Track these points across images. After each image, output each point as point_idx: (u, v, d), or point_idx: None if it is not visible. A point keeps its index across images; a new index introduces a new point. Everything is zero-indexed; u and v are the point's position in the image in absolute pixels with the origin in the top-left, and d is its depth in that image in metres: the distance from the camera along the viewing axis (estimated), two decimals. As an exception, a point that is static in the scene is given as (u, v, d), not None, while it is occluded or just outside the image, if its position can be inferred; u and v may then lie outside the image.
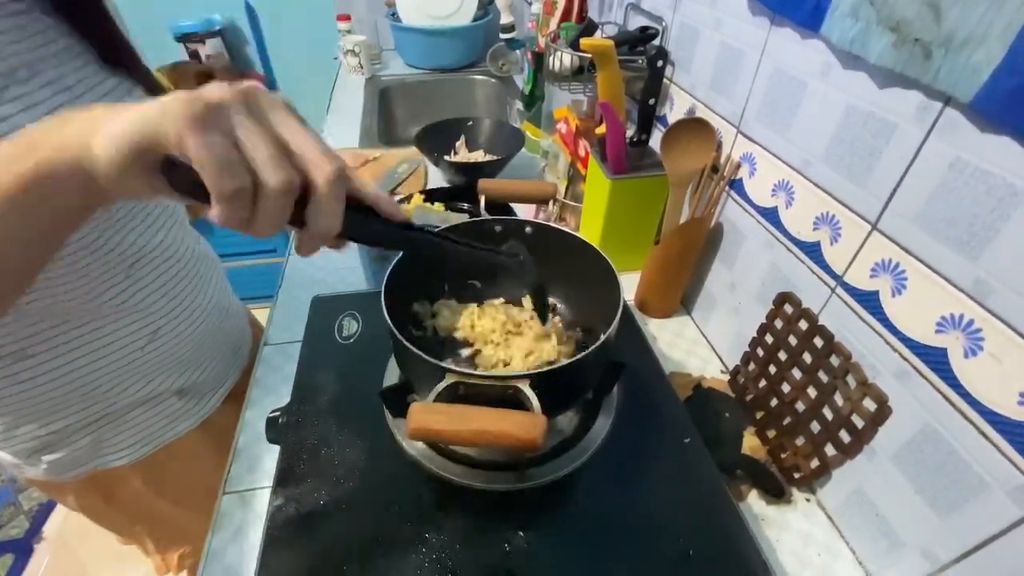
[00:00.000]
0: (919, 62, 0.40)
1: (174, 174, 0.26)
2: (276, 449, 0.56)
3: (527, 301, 0.61)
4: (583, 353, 0.42)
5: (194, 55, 1.79)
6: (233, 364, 0.73)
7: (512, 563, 0.43)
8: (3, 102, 0.41)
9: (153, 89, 0.56)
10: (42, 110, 0.43)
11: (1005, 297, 0.37)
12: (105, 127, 0.26)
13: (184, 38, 1.77)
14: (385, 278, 0.48)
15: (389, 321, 0.43)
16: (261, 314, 0.81)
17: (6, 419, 0.54)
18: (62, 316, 0.50)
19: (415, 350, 0.40)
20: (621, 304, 0.45)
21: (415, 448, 0.50)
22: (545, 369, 0.40)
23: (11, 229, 0.28)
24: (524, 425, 0.33)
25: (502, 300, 0.61)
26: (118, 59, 0.52)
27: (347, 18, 1.62)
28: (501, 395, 0.39)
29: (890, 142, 0.45)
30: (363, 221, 0.32)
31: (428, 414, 0.34)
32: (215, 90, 0.26)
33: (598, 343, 0.43)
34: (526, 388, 0.38)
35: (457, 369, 0.39)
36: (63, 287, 0.48)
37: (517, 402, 0.39)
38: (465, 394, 0.40)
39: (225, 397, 0.71)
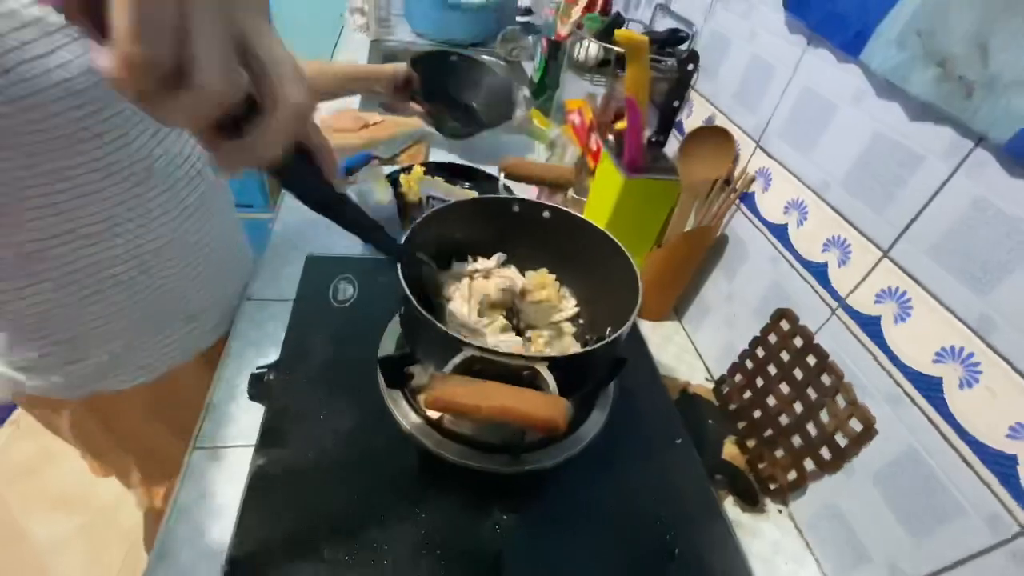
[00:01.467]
0: (959, 99, 0.41)
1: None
2: (253, 407, 0.54)
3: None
4: (601, 343, 0.41)
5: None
6: (237, 297, 0.71)
7: (501, 544, 0.43)
8: None
9: None
10: None
11: (1008, 335, 0.39)
12: None
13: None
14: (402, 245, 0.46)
15: (407, 288, 0.41)
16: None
17: (22, 325, 0.52)
18: (72, 225, 0.47)
19: (432, 320, 0.39)
20: (639, 300, 0.45)
21: (409, 421, 0.48)
22: (566, 355, 0.39)
23: None
24: (547, 406, 0.33)
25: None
26: None
27: (358, -26, 1.55)
28: (516, 374, 0.38)
29: (914, 174, 0.46)
30: (300, 165, 0.29)
31: (450, 386, 0.33)
32: None
33: (615, 335, 0.42)
34: (544, 370, 0.38)
35: (475, 343, 0.38)
36: (73, 201, 0.46)
37: (529, 382, 0.38)
38: (479, 370, 0.39)
39: (227, 333, 0.68)
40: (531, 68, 1.41)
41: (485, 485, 0.47)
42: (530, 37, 1.51)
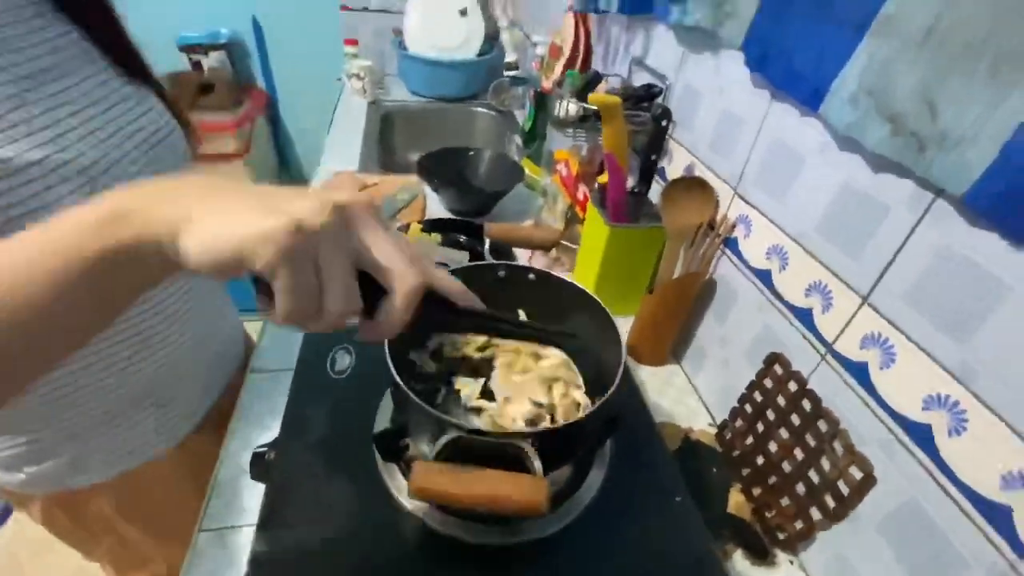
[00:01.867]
0: (913, 154, 0.42)
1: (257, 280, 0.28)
2: (256, 486, 0.55)
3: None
4: (585, 414, 0.42)
5: (196, 65, 1.80)
6: (216, 385, 0.72)
7: (500, 622, 0.43)
8: (27, 103, 0.42)
9: (164, 98, 0.58)
10: (64, 112, 0.44)
11: (989, 383, 0.39)
12: (201, 225, 0.26)
13: (188, 48, 1.78)
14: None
15: (393, 370, 0.43)
16: (254, 327, 0.79)
17: None
18: None
19: (419, 402, 0.40)
20: (623, 363, 0.46)
21: (405, 496, 0.49)
22: (548, 427, 0.40)
23: (83, 297, 0.27)
24: (528, 489, 0.33)
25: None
26: (131, 67, 0.53)
27: (354, 42, 1.64)
28: (501, 452, 0.39)
29: (883, 223, 0.47)
30: (435, 311, 0.36)
31: (432, 475, 0.34)
32: (315, 212, 0.27)
33: (601, 401, 0.43)
34: (528, 447, 0.38)
35: (460, 423, 0.39)
36: None
37: (516, 459, 0.39)
38: (464, 448, 0.39)
39: (203, 421, 0.69)
40: (522, 117, 1.47)
41: (484, 559, 0.47)
42: (519, 88, 1.57)
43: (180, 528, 0.56)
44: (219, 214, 0.26)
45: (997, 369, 0.38)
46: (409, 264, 0.30)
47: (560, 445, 0.43)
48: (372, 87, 1.64)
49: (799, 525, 0.56)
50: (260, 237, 0.25)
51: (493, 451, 0.39)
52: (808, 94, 0.52)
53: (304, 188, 0.30)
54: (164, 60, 1.74)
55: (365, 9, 1.85)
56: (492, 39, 1.71)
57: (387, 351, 0.44)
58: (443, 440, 0.38)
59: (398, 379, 0.42)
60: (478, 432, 0.39)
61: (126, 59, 0.53)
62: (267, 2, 1.82)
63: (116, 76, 0.52)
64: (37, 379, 0.30)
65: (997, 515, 0.38)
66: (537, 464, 0.37)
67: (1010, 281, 0.37)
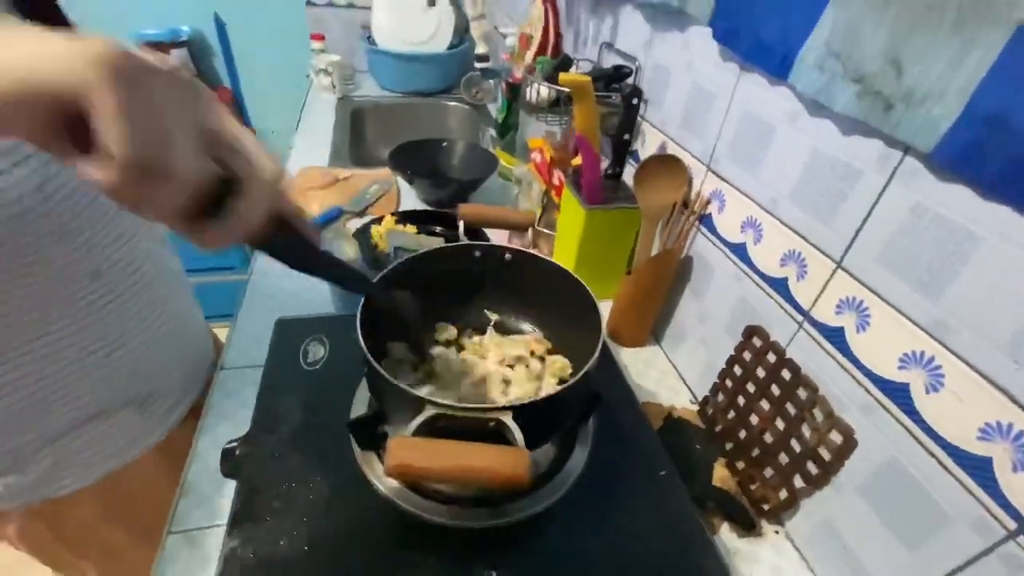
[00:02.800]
0: (881, 113, 0.42)
1: (74, 127, 0.21)
2: (230, 484, 0.52)
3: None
4: (565, 385, 0.41)
5: (155, 64, 1.73)
6: (195, 380, 0.69)
7: (486, 606, 0.41)
8: None
9: None
10: None
11: (964, 337, 0.39)
12: None
13: (148, 46, 1.71)
14: (362, 301, 0.46)
15: (364, 346, 0.41)
16: (220, 333, 0.77)
17: None
18: (12, 328, 0.46)
19: (393, 380, 0.39)
20: (602, 335, 0.45)
21: (385, 484, 0.47)
22: (528, 401, 0.39)
23: None
24: (510, 462, 0.32)
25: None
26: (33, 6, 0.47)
27: (321, 37, 1.61)
28: (482, 428, 0.38)
29: (854, 186, 0.47)
30: (282, 233, 0.31)
31: (408, 450, 0.32)
32: (147, 53, 0.22)
33: (579, 374, 0.42)
34: (509, 420, 0.37)
35: (437, 400, 0.37)
36: (14, 299, 0.45)
37: (498, 435, 0.38)
38: (444, 427, 0.38)
39: (186, 415, 0.67)
40: (495, 110, 1.46)
41: (469, 543, 0.45)
42: (491, 80, 1.56)
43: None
44: (13, 40, 0.20)
45: (971, 321, 0.39)
46: (267, 154, 0.27)
47: (541, 419, 0.42)
48: (341, 83, 1.61)
49: (783, 495, 0.57)
50: (77, 53, 0.19)
51: (474, 427, 0.38)
52: (777, 64, 0.52)
53: None
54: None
55: (330, 3, 1.82)
56: (462, 32, 1.69)
57: (359, 331, 0.43)
58: (420, 418, 0.37)
59: (369, 356, 0.40)
60: (457, 408, 0.38)
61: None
62: (229, -1, 1.78)
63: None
64: None
65: (977, 467, 0.39)
66: (519, 437, 0.36)
67: (981, 232, 0.37)
